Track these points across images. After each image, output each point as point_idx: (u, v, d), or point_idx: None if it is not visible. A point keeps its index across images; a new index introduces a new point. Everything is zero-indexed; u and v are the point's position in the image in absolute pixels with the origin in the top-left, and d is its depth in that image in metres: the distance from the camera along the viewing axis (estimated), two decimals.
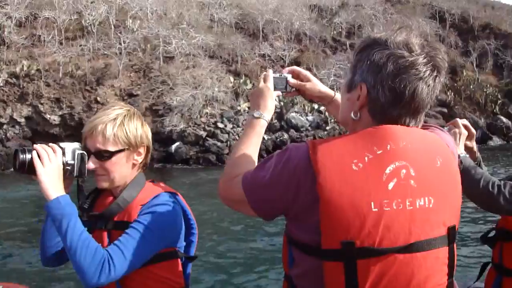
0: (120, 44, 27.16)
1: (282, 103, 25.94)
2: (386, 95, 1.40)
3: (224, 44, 30.22)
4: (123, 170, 1.98)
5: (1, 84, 24.94)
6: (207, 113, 25.16)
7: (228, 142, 24.14)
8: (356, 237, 1.29)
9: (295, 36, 32.48)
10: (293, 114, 26.05)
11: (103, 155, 1.92)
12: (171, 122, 24.16)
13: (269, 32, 32.42)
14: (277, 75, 1.87)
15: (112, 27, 28.92)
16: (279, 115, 26.15)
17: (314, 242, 1.33)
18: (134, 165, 2.02)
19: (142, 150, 2.03)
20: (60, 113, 25.42)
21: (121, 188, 2.00)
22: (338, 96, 1.92)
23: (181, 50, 27.37)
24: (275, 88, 1.84)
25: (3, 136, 24.64)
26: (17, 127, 25.21)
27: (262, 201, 1.46)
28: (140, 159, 2.03)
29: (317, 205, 1.31)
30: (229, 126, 24.91)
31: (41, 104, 25.26)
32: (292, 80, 1.91)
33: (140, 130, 2.01)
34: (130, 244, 1.82)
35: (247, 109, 25.98)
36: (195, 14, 32.45)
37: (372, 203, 1.30)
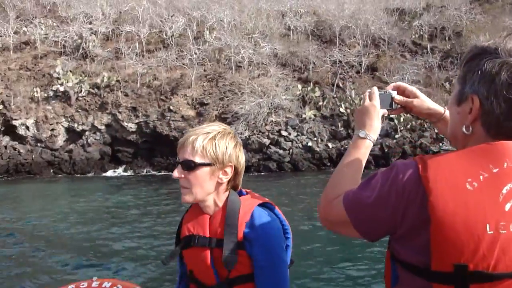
0: (194, 54, 28.31)
1: (348, 110, 25.28)
2: (501, 106, 1.32)
3: (297, 51, 30.18)
4: (206, 185, 1.97)
5: (84, 94, 27.16)
6: (272, 121, 25.28)
7: (291, 150, 24.05)
8: (470, 260, 1.23)
9: (372, 41, 31.49)
10: None
11: (189, 165, 1.94)
12: (237, 130, 24.59)
13: (345, 38, 31.80)
14: (382, 92, 1.81)
15: (191, 38, 30.14)
16: (345, 122, 25.51)
17: (422, 263, 1.28)
18: (219, 184, 1.99)
19: (229, 170, 2.00)
20: (137, 121, 27.03)
21: (212, 208, 2.03)
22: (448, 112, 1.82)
23: (251, 59, 27.82)
24: (380, 106, 1.76)
25: (85, 142, 26.78)
26: (97, 133, 27.26)
27: (367, 222, 1.39)
28: (225, 178, 2.00)
29: (428, 226, 1.25)
30: (293, 134, 24.79)
31: (119, 112, 27.06)
32: (397, 97, 1.81)
33: (230, 149, 1.99)
34: (280, 278, 1.92)
35: (313, 116, 25.72)
36: (269, 23, 32.86)
37: (488, 225, 1.23)
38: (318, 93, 27.07)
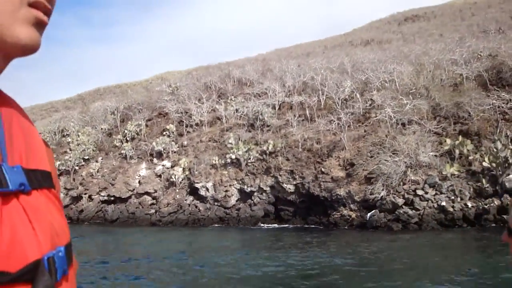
0: (345, 116, 30.51)
1: (494, 164, 23.24)
2: None
3: (462, 102, 29.04)
4: None
5: (253, 160, 32.07)
6: (410, 179, 25.18)
7: (424, 210, 23.50)
8: None
9: None
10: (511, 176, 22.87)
11: None
12: (376, 189, 25.46)
13: None
14: None
15: (359, 100, 32.36)
16: (492, 178, 23.44)
17: None
18: None
19: None
20: (294, 182, 30.40)
21: None
22: None
23: (396, 116, 28.39)
24: None
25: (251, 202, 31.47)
26: (263, 194, 31.66)
27: None
28: None
29: None
30: (431, 193, 24.17)
31: (280, 175, 30.93)
32: None
33: None
34: None
35: (456, 173, 24.58)
36: (433, 75, 32.58)
37: None
38: (470, 147, 25.64)
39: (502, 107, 27.80)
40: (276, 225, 29.54)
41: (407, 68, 34.59)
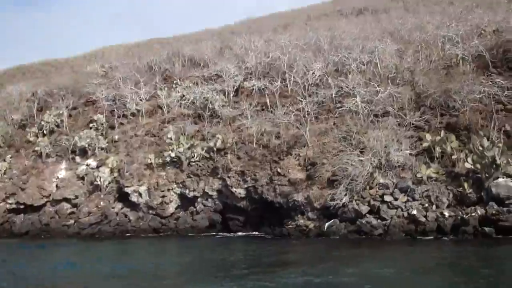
0: (308, 107, 31.22)
1: (478, 165, 24.00)
2: None
3: (450, 88, 29.72)
4: None
5: (197, 159, 32.64)
6: (379, 183, 25.91)
7: (391, 220, 24.24)
8: None
9: None
10: (500, 180, 23.62)
11: None
12: (338, 195, 26.11)
13: None
14: None
15: (330, 84, 33.03)
16: (477, 182, 24.20)
17: None
18: None
19: None
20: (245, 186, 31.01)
21: None
22: None
23: (368, 107, 29.17)
24: None
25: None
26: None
27: None
28: None
29: None
30: (402, 199, 24.98)
31: (229, 177, 31.51)
32: None
33: None
34: None
35: (434, 175, 25.33)
36: (422, 55, 33.47)
37: None
38: (454, 144, 26.38)
39: (498, 96, 28.54)
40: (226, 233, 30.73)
41: (391, 46, 35.32)
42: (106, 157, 35.19)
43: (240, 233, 30.52)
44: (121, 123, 38.32)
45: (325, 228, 25.91)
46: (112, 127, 38.13)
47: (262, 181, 30.47)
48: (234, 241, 28.54)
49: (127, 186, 33.02)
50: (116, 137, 36.96)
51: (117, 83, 40.60)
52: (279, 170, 30.15)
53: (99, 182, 33.87)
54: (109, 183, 33.89)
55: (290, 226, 27.98)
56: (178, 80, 40.39)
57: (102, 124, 37.85)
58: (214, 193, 32.41)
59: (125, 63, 45.41)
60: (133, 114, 38.41)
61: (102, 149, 36.25)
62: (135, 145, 35.49)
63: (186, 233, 31.13)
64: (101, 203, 33.36)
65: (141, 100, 38.33)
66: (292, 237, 27.02)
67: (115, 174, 33.99)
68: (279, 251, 23.75)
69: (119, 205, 33.40)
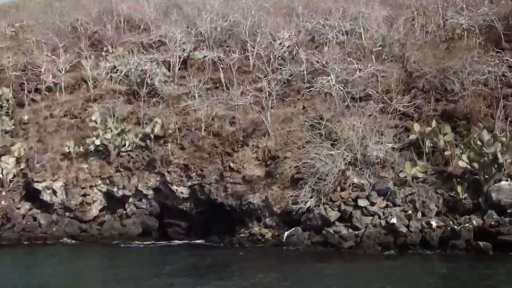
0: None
1: (476, 164, 24.74)
2: None
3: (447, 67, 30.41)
4: None
5: (129, 148, 32.91)
6: (352, 183, 26.56)
7: (365, 230, 24.91)
8: None
9: None
10: (502, 183, 24.41)
11: None
12: (302, 197, 26.74)
13: None
14: None
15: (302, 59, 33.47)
16: (474, 184, 24.93)
17: None
18: None
19: None
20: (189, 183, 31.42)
21: None
22: None
23: (345, 88, 29.80)
24: None
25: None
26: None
27: None
28: None
29: None
30: (380, 204, 25.65)
31: (169, 172, 31.88)
32: None
33: None
34: None
35: (421, 176, 26.02)
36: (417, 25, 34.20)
37: None
38: (450, 136, 27.02)
39: (506, 77, 29.19)
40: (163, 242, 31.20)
41: (379, 12, 35.92)
42: (12, 143, 35.21)
43: (180, 241, 30.97)
44: (33, 100, 38.36)
45: (284, 238, 26.48)
46: (20, 105, 38.14)
47: (210, 178, 31.03)
48: (171, 251, 28.97)
49: (37, 182, 33.20)
50: (26, 117, 37.04)
51: (30, 48, 40.47)
52: (232, 164, 30.72)
53: (0, 176, 33.85)
54: (13, 176, 34.06)
55: (243, 235, 28.74)
56: (110, 46, 40.59)
57: (8, 100, 37.83)
58: (150, 192, 32.86)
59: (41, 22, 45.08)
60: (49, 89, 38.57)
61: (6, 132, 36.38)
62: (49, 129, 35.62)
63: (113, 241, 31.49)
64: (3, 202, 33.40)
65: (60, 71, 38.41)
66: (245, 247, 27.74)
67: (22, 166, 34.17)
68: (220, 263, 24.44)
69: (26, 205, 33.56)
